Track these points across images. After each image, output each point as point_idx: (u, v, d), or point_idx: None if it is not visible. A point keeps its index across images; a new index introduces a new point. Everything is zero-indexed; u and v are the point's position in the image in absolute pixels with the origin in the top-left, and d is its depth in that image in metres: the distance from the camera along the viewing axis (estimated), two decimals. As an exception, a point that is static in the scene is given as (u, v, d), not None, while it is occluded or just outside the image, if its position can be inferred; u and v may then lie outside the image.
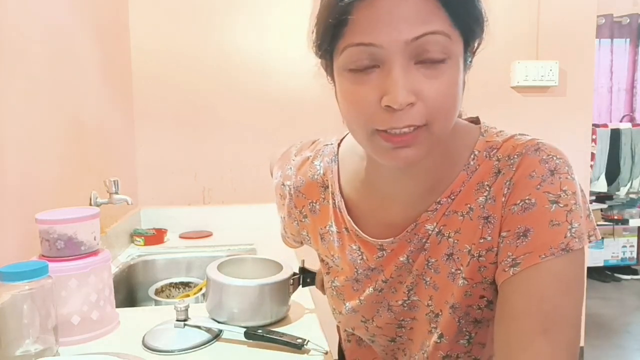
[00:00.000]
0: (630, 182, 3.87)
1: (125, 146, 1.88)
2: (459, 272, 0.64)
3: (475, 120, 0.69)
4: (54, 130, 1.23)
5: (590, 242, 0.57)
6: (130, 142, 1.95)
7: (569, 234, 0.55)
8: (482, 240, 0.62)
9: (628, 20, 4.14)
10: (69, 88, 1.33)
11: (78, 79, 1.40)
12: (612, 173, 3.86)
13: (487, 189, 0.61)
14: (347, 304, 0.77)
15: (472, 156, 0.63)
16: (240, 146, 2.04)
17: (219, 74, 2.00)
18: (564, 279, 0.54)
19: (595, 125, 3.72)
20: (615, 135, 3.83)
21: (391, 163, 0.57)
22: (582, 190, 0.59)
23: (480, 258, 0.62)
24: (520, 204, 0.58)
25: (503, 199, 0.59)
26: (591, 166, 3.55)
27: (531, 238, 0.56)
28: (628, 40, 4.20)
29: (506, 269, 0.57)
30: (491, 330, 0.59)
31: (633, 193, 3.97)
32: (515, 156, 0.60)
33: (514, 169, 0.59)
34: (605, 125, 3.90)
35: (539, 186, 0.57)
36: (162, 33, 1.96)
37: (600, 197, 4.01)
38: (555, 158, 0.58)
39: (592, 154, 3.66)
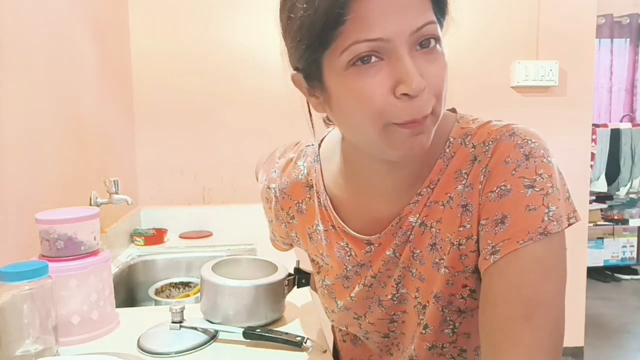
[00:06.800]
0: (630, 182, 3.87)
1: (125, 146, 1.88)
2: (442, 261, 0.64)
3: (452, 111, 0.69)
4: (54, 131, 1.23)
5: (570, 224, 0.57)
6: (130, 142, 1.95)
7: (546, 218, 0.55)
8: (461, 229, 0.62)
9: (628, 20, 4.14)
10: (69, 88, 1.33)
11: (78, 78, 1.40)
12: (612, 173, 3.86)
13: (465, 176, 0.61)
14: (339, 302, 0.77)
15: (447, 143, 0.63)
16: (240, 146, 2.04)
17: (219, 73, 2.00)
18: (543, 264, 0.54)
19: (595, 125, 3.72)
20: (615, 135, 3.83)
21: (406, 152, 0.57)
22: (560, 173, 0.59)
23: (461, 246, 0.62)
24: (497, 191, 0.57)
25: (480, 187, 0.59)
26: (591, 166, 3.55)
27: (509, 224, 0.56)
28: (628, 40, 4.20)
29: (487, 257, 0.57)
30: (476, 321, 0.59)
31: (633, 193, 3.97)
32: (490, 142, 0.60)
33: (489, 155, 0.59)
34: (605, 125, 3.90)
35: (514, 172, 0.57)
36: (162, 33, 1.96)
37: (600, 197, 4.01)
38: (530, 142, 0.58)
39: (592, 154, 3.66)
